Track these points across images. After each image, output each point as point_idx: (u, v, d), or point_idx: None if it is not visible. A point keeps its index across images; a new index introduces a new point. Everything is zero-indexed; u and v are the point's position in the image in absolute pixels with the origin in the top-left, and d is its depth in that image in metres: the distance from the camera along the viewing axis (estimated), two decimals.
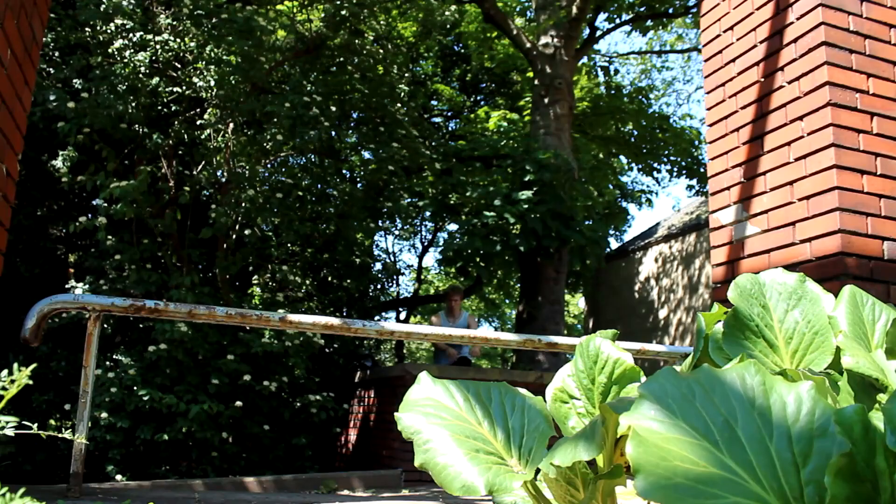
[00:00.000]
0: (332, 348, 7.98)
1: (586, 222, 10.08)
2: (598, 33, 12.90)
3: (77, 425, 2.53)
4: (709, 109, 3.05)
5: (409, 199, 10.78)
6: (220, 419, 6.11)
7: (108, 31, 6.53)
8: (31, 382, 1.17)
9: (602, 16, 12.91)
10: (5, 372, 1.13)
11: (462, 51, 13.82)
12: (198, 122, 7.00)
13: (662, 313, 13.66)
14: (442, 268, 16.68)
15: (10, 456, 6.06)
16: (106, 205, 6.36)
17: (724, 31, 3.00)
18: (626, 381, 1.25)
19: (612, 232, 15.05)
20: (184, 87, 6.83)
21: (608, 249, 14.35)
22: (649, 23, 12.71)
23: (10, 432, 1.05)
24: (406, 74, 10.51)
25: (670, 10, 12.38)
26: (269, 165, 7.94)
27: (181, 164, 7.39)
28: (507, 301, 19.74)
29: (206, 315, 2.92)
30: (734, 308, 1.31)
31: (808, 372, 1.09)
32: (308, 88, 7.40)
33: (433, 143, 10.35)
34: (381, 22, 9.88)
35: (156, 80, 6.58)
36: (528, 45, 10.64)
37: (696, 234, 13.17)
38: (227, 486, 5.04)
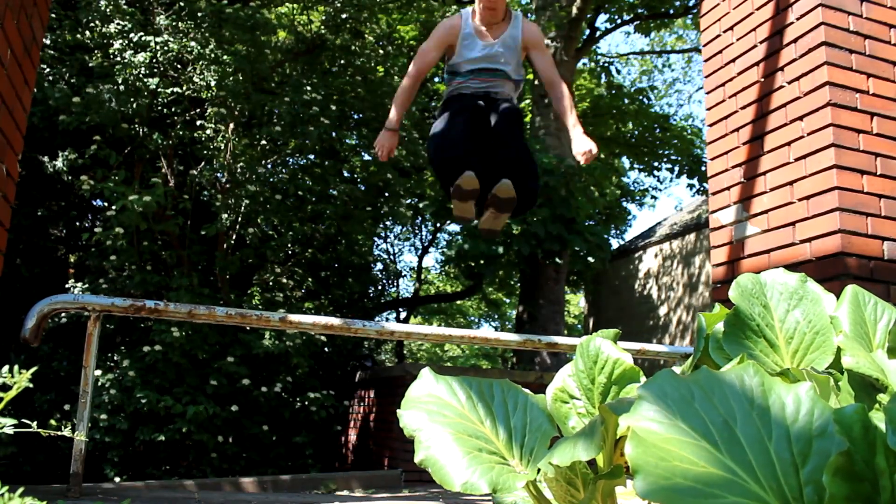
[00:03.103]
0: (332, 349, 7.98)
1: (587, 223, 10.07)
2: (599, 34, 12.89)
3: (77, 425, 2.53)
4: (709, 109, 3.05)
5: (409, 200, 10.76)
6: (216, 420, 6.11)
7: (108, 32, 6.52)
8: (31, 386, 1.17)
9: (602, 16, 12.90)
10: (6, 368, 1.13)
11: None
12: (198, 123, 6.99)
13: (663, 313, 13.65)
14: (442, 268, 16.69)
15: (10, 456, 6.06)
16: (114, 212, 6.33)
17: (724, 32, 3.00)
18: (625, 381, 1.25)
19: (613, 232, 15.02)
20: (184, 88, 6.82)
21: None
22: (650, 23, 12.70)
23: (9, 431, 1.05)
24: None
25: (670, 11, 12.37)
26: (269, 166, 7.94)
27: (181, 164, 7.38)
28: (508, 300, 19.72)
29: (206, 315, 2.91)
30: (735, 307, 1.31)
31: (812, 371, 1.09)
32: (308, 89, 7.40)
33: None
34: (382, 24, 9.87)
35: (155, 80, 6.58)
36: None
37: (697, 234, 13.16)
38: (227, 486, 5.04)
